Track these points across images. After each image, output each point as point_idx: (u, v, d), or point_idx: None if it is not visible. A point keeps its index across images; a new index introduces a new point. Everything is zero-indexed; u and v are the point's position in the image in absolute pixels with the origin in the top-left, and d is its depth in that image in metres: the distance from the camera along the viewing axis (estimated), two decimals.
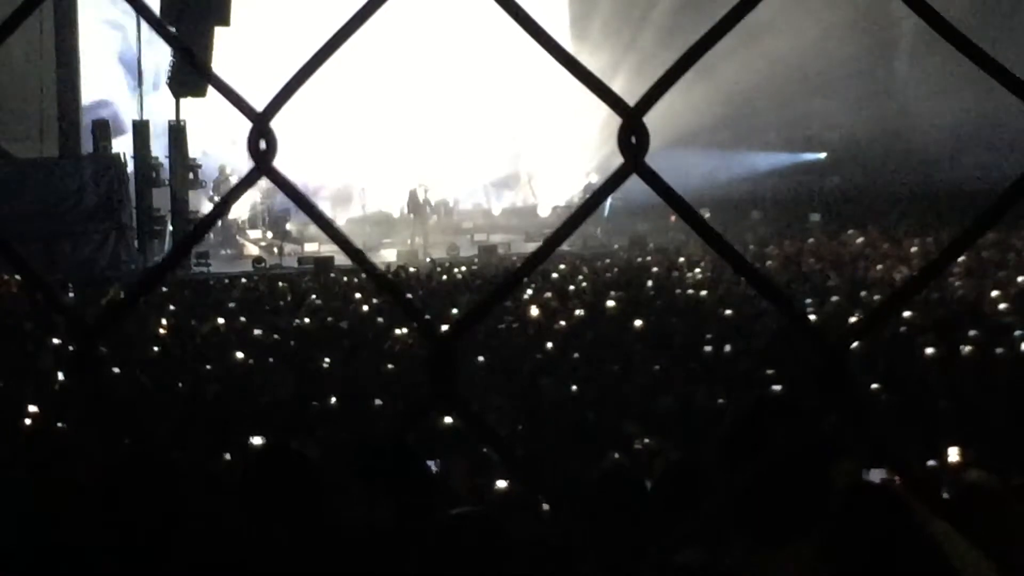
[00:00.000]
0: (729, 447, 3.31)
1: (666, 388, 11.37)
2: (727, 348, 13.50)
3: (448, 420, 8.38)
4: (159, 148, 28.34)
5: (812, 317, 15.49)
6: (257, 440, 8.57)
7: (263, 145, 1.44)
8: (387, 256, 29.95)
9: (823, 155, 37.46)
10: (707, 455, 4.25)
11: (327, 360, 13.39)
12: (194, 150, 29.17)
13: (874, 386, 10.26)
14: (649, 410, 10.46)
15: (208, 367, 13.13)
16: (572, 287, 21.61)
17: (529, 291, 18.43)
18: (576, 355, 13.63)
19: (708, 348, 13.59)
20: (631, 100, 1.40)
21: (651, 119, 1.39)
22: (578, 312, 17.00)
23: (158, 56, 30.65)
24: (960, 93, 26.79)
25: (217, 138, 34.73)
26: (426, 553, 4.21)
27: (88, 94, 31.63)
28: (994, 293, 17.21)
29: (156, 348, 14.45)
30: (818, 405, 1.38)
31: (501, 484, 6.53)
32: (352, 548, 4.71)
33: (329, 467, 6.18)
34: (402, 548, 4.46)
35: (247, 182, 1.61)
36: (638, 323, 15.42)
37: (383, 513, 4.93)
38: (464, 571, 4.06)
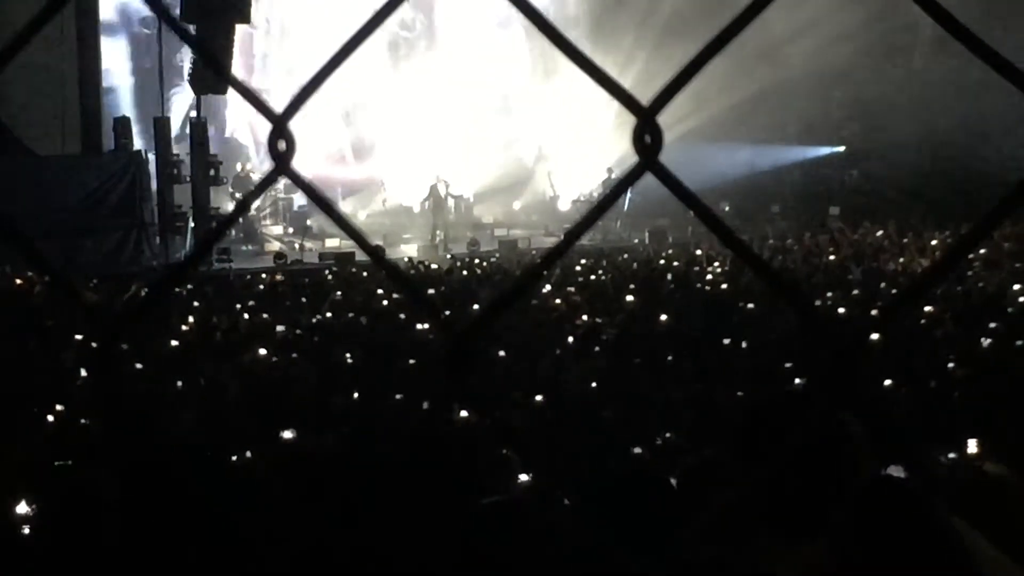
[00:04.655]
0: (746, 442, 3.33)
1: (686, 383, 11.38)
2: (744, 344, 13.49)
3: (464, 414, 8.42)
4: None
5: (840, 311, 15.50)
6: (287, 434, 8.59)
7: (282, 146, 1.46)
8: (407, 251, 29.97)
9: (842, 148, 37.38)
10: (725, 450, 4.26)
11: (348, 355, 13.41)
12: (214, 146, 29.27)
13: (890, 381, 10.23)
14: (669, 405, 10.46)
15: (229, 362, 13.17)
16: (592, 276, 21.65)
17: (547, 287, 18.45)
18: (597, 348, 13.65)
19: (727, 341, 13.59)
20: (646, 97, 1.41)
21: (669, 113, 1.40)
22: (598, 309, 17.01)
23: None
24: (979, 85, 26.70)
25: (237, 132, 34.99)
26: (458, 539, 4.24)
27: None
28: (1016, 286, 17.14)
29: (176, 343, 14.48)
30: (833, 400, 1.39)
31: (523, 478, 6.54)
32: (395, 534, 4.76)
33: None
34: (437, 535, 4.50)
35: (267, 182, 1.63)
36: (663, 317, 15.42)
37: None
38: (493, 557, 4.09)
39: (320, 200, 1.58)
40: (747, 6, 1.37)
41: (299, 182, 1.52)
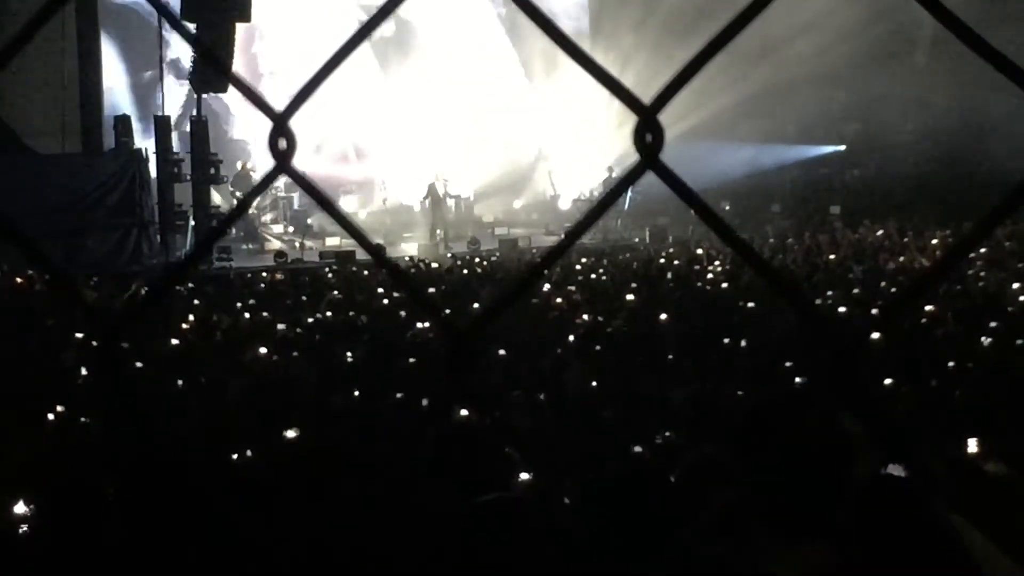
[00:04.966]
0: (746, 442, 3.32)
1: (686, 382, 11.37)
2: (745, 344, 13.48)
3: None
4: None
5: (841, 310, 15.48)
6: (291, 433, 8.57)
7: (283, 144, 1.46)
8: (408, 250, 29.96)
9: (843, 147, 37.36)
10: (725, 450, 4.26)
11: (348, 354, 13.40)
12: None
13: (890, 380, 10.22)
14: (669, 404, 10.45)
15: (230, 361, 13.16)
16: (593, 275, 21.64)
17: (547, 285, 18.43)
18: (597, 347, 13.64)
19: (727, 340, 13.58)
20: (647, 95, 1.41)
21: (668, 111, 1.40)
22: (599, 308, 16.99)
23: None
24: (980, 84, 26.68)
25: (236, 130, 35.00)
26: (458, 536, 4.24)
27: None
28: (1016, 285, 17.14)
29: (176, 342, 14.45)
30: (834, 399, 1.39)
31: (524, 477, 6.54)
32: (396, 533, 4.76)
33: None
34: (437, 534, 4.50)
35: (267, 181, 1.63)
36: (663, 316, 15.41)
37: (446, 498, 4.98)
38: (492, 554, 4.08)
39: (321, 199, 1.58)
40: (748, 5, 1.37)
41: (300, 181, 1.52)
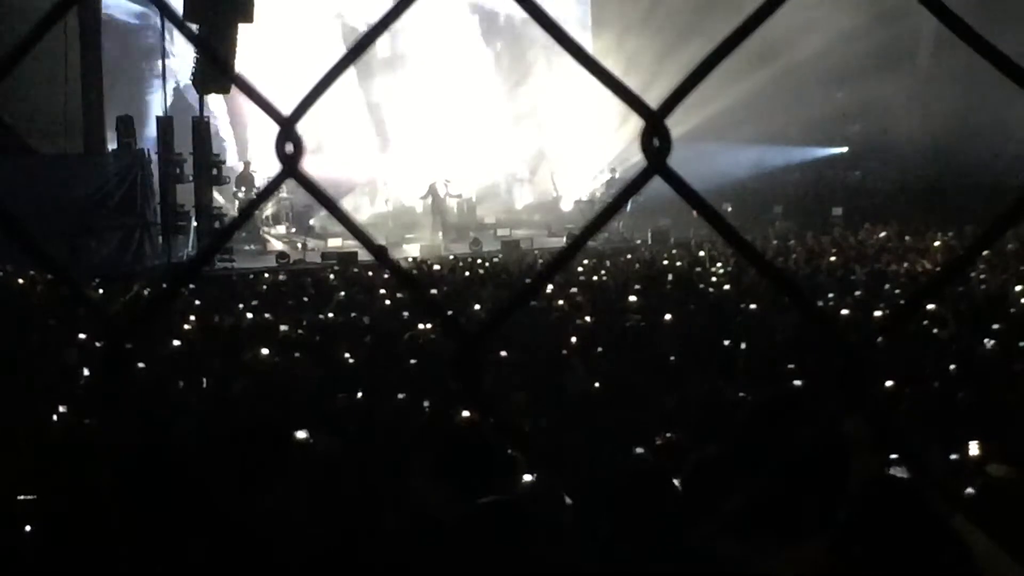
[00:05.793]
0: (747, 444, 3.32)
1: (689, 383, 11.35)
2: (749, 344, 13.46)
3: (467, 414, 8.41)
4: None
5: (843, 312, 15.46)
6: (301, 434, 8.54)
7: (290, 148, 1.46)
8: (410, 251, 29.92)
9: (845, 149, 37.32)
10: (726, 452, 4.26)
11: (349, 355, 13.39)
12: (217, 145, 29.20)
13: (892, 381, 10.20)
14: (672, 405, 10.44)
15: (232, 362, 13.14)
16: (596, 277, 21.63)
17: (550, 287, 18.39)
18: (600, 348, 13.63)
19: (727, 342, 13.56)
20: (653, 97, 1.41)
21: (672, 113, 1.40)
22: (601, 309, 16.98)
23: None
24: (983, 86, 26.65)
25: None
26: (455, 541, 4.23)
27: None
28: (1018, 287, 17.12)
29: (178, 343, 14.42)
30: (838, 402, 1.39)
31: (528, 478, 6.53)
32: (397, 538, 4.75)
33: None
34: (434, 537, 4.49)
35: (274, 185, 1.63)
36: (667, 317, 15.40)
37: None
38: (491, 558, 4.08)
39: (327, 202, 1.57)
40: (759, 7, 1.37)
41: (308, 186, 1.52)
